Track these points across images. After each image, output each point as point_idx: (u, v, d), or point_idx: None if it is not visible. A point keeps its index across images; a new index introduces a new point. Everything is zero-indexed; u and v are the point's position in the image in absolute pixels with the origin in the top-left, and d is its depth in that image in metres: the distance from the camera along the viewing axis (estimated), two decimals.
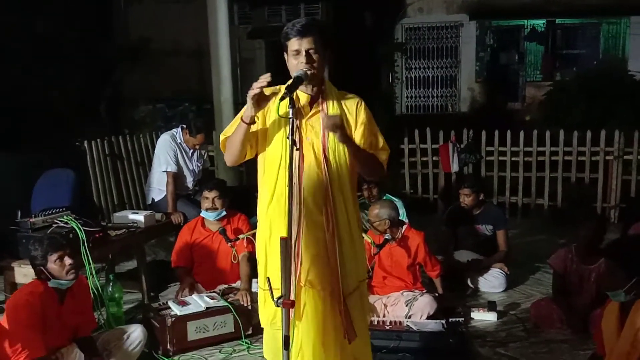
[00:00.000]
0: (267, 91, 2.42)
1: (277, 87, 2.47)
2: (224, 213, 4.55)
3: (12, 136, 7.29)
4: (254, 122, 2.43)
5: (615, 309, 2.99)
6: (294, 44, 2.45)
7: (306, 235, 2.49)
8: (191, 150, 5.49)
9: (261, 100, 2.37)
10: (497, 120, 9.31)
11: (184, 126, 5.51)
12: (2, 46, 8.38)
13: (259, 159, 2.60)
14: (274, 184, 2.50)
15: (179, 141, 5.42)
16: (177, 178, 5.34)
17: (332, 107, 2.54)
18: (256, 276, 3.96)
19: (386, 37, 12.45)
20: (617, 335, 2.92)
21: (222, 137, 2.62)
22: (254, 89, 2.32)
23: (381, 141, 2.62)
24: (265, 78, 2.32)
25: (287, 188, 2.30)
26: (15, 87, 8.45)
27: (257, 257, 2.69)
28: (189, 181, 5.51)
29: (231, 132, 2.55)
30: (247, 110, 2.40)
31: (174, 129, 5.56)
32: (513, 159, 7.54)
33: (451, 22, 12.73)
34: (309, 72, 2.41)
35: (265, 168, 2.56)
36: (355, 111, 2.58)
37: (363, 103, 2.60)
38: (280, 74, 2.56)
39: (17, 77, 8.63)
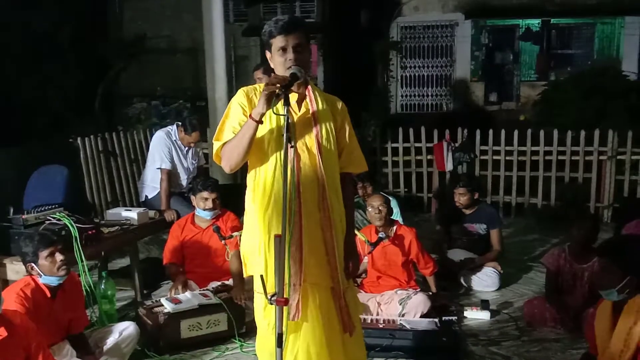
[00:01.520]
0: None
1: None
2: (219, 212, 4.57)
3: (6, 132, 7.24)
4: (262, 122, 2.40)
5: (608, 308, 2.99)
6: (279, 41, 2.44)
7: (307, 234, 2.48)
8: (186, 148, 5.47)
9: (272, 98, 2.32)
10: (491, 119, 9.32)
11: (179, 124, 5.48)
12: None
13: (250, 163, 2.56)
14: (270, 186, 2.48)
15: (174, 138, 5.40)
16: (171, 175, 5.32)
17: (320, 106, 2.54)
18: None
19: (381, 36, 12.44)
20: (610, 334, 2.92)
21: (216, 144, 2.53)
22: (270, 87, 2.28)
23: (357, 141, 2.73)
24: (284, 79, 2.30)
25: (282, 186, 2.28)
26: (9, 84, 8.42)
27: (244, 260, 2.66)
28: (183, 179, 5.50)
29: (226, 137, 2.50)
30: (258, 107, 2.35)
31: (169, 126, 5.54)
32: (507, 158, 7.56)
33: (446, 21, 12.76)
34: (302, 70, 2.40)
35: (258, 171, 2.52)
36: (339, 112, 2.64)
37: (344, 105, 2.69)
38: (274, 72, 2.55)
39: (11, 74, 8.59)
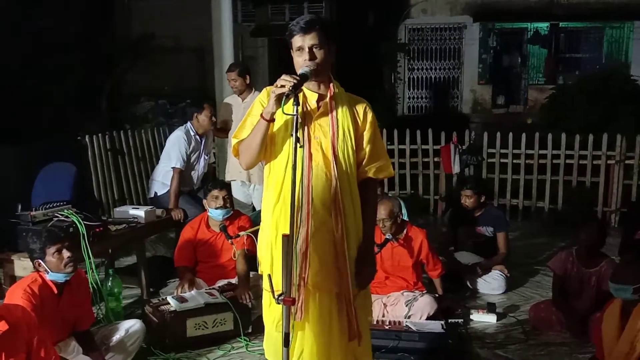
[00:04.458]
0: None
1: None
2: (232, 212, 4.53)
3: (14, 130, 7.27)
4: (273, 120, 2.40)
5: (616, 311, 2.99)
6: (297, 40, 2.43)
7: (315, 236, 2.46)
8: (203, 141, 5.44)
9: (282, 98, 2.31)
10: (498, 122, 9.29)
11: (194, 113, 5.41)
12: (4, 40, 8.36)
13: (266, 159, 2.56)
14: (281, 184, 2.47)
15: (193, 133, 5.36)
16: (182, 175, 5.28)
17: (340, 108, 2.52)
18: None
19: (389, 37, 12.44)
20: (617, 338, 2.92)
21: (234, 140, 2.57)
22: (280, 88, 2.28)
23: (383, 145, 2.69)
24: (293, 78, 2.29)
25: (291, 186, 2.28)
26: (17, 81, 8.44)
27: (259, 258, 2.65)
28: (196, 177, 5.47)
29: (244, 134, 2.52)
30: (268, 107, 2.37)
31: (188, 124, 5.40)
32: (514, 161, 7.53)
33: (454, 24, 12.73)
34: (312, 69, 2.39)
35: (272, 168, 2.53)
36: (362, 114, 2.59)
37: (370, 108, 2.62)
38: (283, 73, 2.53)
39: (18, 71, 8.62)
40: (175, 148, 5.26)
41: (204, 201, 4.60)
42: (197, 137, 5.36)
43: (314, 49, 2.42)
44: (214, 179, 5.28)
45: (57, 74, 9.20)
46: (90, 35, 9.85)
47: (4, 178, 5.06)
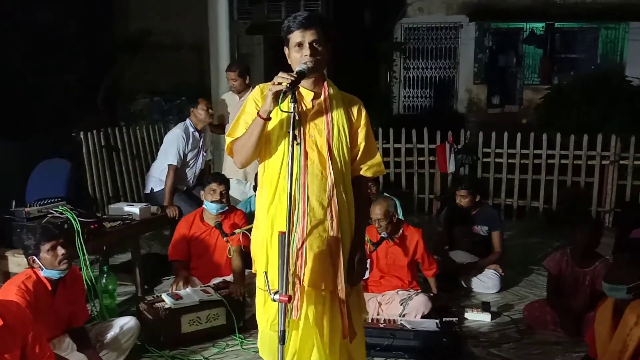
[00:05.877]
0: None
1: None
2: (226, 208, 4.54)
3: (9, 126, 7.24)
4: (270, 118, 2.39)
5: (609, 310, 3.00)
6: (296, 36, 2.42)
7: (310, 235, 2.46)
8: (202, 138, 5.43)
9: (279, 96, 2.30)
10: (494, 122, 9.31)
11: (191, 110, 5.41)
12: (1, 36, 8.33)
13: (261, 157, 2.56)
14: (276, 182, 2.47)
15: (192, 130, 5.35)
16: (177, 173, 5.27)
17: (335, 106, 2.51)
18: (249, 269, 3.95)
19: (385, 36, 12.46)
20: (610, 336, 2.93)
21: (228, 139, 2.56)
22: (277, 85, 2.27)
23: (376, 143, 2.71)
24: (290, 76, 2.28)
25: (288, 183, 2.28)
26: (13, 77, 8.41)
27: (253, 256, 2.65)
28: (192, 174, 5.46)
29: (238, 133, 2.51)
30: (265, 105, 2.35)
31: (187, 120, 5.40)
32: (509, 161, 7.55)
33: (450, 23, 12.76)
34: (310, 66, 2.37)
35: (267, 166, 2.53)
36: (356, 113, 2.59)
37: (363, 106, 2.63)
38: (278, 71, 2.52)
39: (15, 68, 8.58)
40: (173, 145, 5.26)
41: (202, 192, 4.61)
42: (196, 133, 5.36)
43: (315, 45, 2.41)
44: (215, 172, 5.27)
45: (53, 70, 9.17)
46: (87, 32, 9.82)
47: (1, 175, 5.05)
